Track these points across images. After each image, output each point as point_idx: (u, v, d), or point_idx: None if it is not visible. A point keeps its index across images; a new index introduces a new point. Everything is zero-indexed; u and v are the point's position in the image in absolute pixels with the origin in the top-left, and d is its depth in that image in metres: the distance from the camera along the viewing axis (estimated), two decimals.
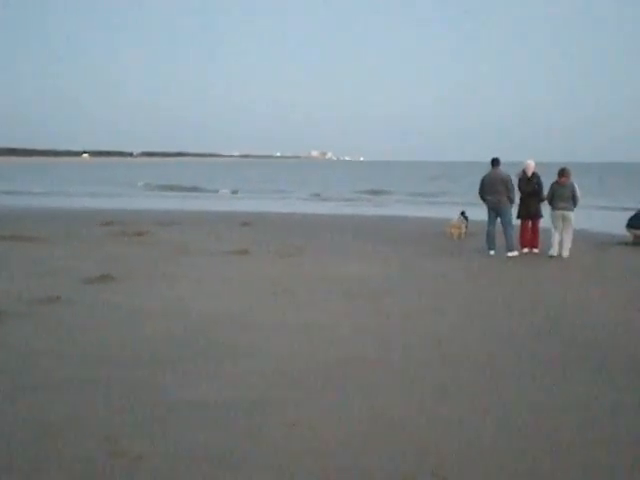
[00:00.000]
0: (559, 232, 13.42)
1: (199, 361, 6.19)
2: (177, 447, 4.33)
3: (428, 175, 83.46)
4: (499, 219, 13.75)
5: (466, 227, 16.55)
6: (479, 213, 17.02)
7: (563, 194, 13.38)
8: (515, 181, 13.93)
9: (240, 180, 65.11)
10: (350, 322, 7.76)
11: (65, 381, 5.58)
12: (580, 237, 15.22)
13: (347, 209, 28.97)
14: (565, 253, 13.34)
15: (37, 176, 73.31)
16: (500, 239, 13.66)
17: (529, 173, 14.00)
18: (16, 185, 49.25)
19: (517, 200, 13.98)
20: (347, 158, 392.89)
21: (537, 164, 14.12)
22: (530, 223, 14.06)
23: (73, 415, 4.85)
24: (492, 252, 13.62)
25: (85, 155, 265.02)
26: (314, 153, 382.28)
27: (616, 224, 17.85)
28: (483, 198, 13.92)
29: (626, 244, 15.24)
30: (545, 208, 13.96)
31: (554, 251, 13.36)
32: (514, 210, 13.93)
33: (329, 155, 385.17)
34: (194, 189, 48.14)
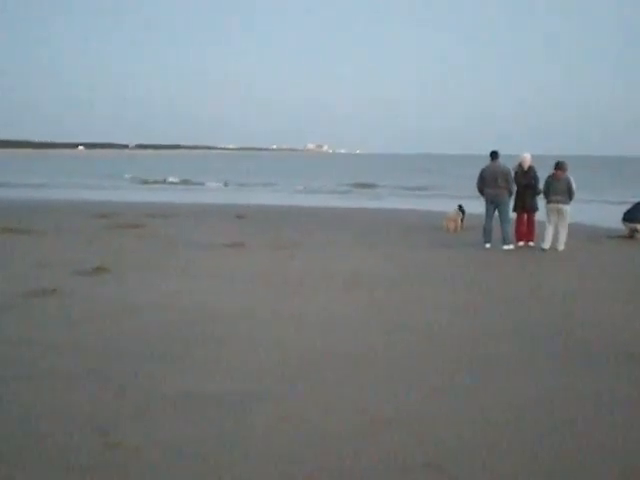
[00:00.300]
0: (553, 225, 13.43)
1: (193, 353, 6.18)
2: (173, 440, 4.32)
3: (420, 168, 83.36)
4: (496, 213, 13.73)
5: (462, 220, 16.55)
6: (474, 206, 17.04)
7: (558, 187, 13.37)
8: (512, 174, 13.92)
9: (231, 172, 64.82)
10: (345, 314, 7.75)
11: (59, 373, 5.57)
12: (576, 230, 15.23)
13: (342, 202, 28.95)
14: (560, 247, 13.35)
15: (23, 168, 72.83)
16: (496, 232, 13.67)
17: (525, 166, 14.01)
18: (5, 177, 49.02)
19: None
20: (343, 151, 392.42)
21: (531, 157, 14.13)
22: (526, 216, 14.08)
23: (67, 407, 4.84)
24: (488, 245, 13.62)
25: (80, 147, 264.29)
26: (310, 146, 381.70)
27: (611, 218, 17.85)
28: (481, 191, 13.89)
29: (621, 237, 15.26)
30: (541, 201, 13.97)
31: (546, 244, 13.37)
32: (510, 203, 13.92)
33: (325, 148, 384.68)
34: (183, 182, 47.73)
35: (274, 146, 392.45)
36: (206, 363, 5.91)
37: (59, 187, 38.68)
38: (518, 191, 13.88)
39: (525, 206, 13.92)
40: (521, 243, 13.93)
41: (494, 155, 13.82)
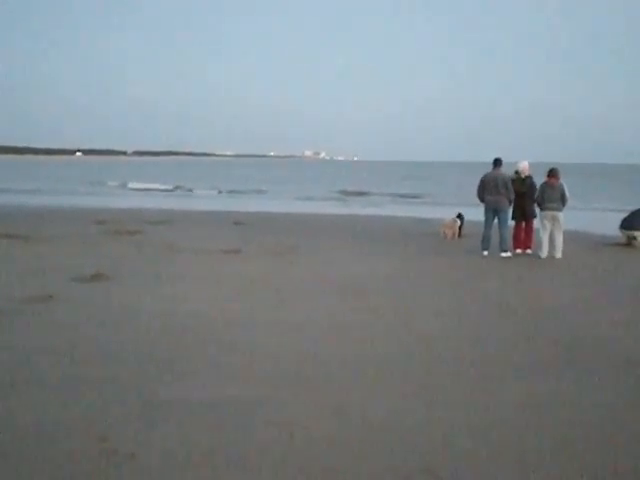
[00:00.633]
0: (548, 233, 13.45)
1: (191, 360, 6.16)
2: (169, 446, 4.30)
3: (419, 175, 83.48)
4: (496, 220, 13.73)
5: (460, 228, 16.55)
6: (470, 214, 17.06)
7: (553, 195, 13.41)
8: None
9: (224, 179, 64.88)
10: (342, 321, 7.74)
11: (57, 379, 5.55)
12: (574, 238, 15.27)
13: (339, 209, 28.97)
14: (558, 254, 13.36)
15: (10, 174, 72.67)
16: (494, 240, 13.67)
17: (524, 173, 14.03)
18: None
19: None
20: (341, 158, 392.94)
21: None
22: (524, 224, 14.09)
23: (65, 413, 4.82)
24: (485, 253, 13.62)
25: (79, 154, 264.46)
26: (307, 153, 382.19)
27: (609, 225, 17.89)
28: (482, 198, 13.90)
29: (619, 245, 15.28)
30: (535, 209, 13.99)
31: (544, 252, 13.38)
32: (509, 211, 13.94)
33: (322, 155, 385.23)
34: (171, 189, 47.66)
35: (272, 153, 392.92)
36: (204, 369, 5.89)
37: (32, 193, 38.42)
38: (516, 199, 13.86)
39: (525, 214, 13.93)
40: (519, 251, 13.94)
41: (497, 162, 13.81)
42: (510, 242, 13.84)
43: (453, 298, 9.31)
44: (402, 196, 41.75)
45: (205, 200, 36.13)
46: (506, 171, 13.93)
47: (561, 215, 13.45)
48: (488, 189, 13.66)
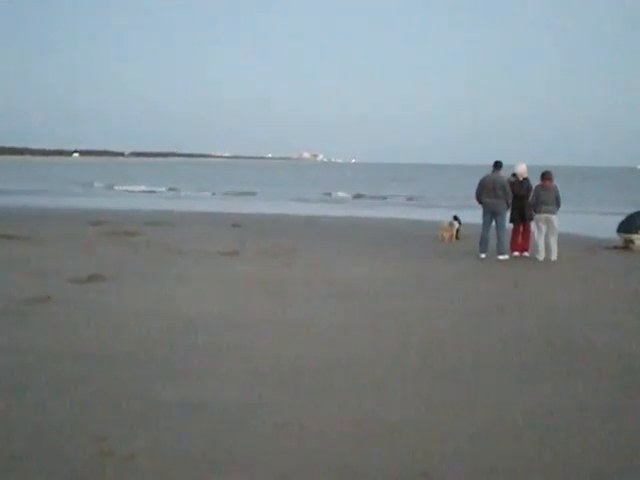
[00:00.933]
0: (544, 236, 13.48)
1: (189, 361, 6.16)
2: (167, 447, 4.30)
3: (417, 178, 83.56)
4: (494, 223, 13.75)
5: (458, 230, 16.57)
6: (467, 216, 17.08)
7: (547, 197, 13.45)
8: None
9: (215, 181, 64.79)
10: (339, 323, 7.75)
11: (54, 380, 5.54)
12: (571, 241, 15.31)
13: (336, 211, 28.96)
14: (554, 257, 13.39)
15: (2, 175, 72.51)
16: (491, 242, 13.69)
17: (522, 176, 14.06)
18: None
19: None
20: (339, 160, 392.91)
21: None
22: (521, 227, 14.11)
23: (62, 415, 4.81)
24: (483, 255, 13.63)
25: (76, 155, 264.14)
26: (305, 155, 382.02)
27: (606, 228, 17.91)
28: (480, 200, 13.92)
29: (616, 248, 15.31)
30: None
31: (541, 255, 13.41)
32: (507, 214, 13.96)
33: (320, 157, 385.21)
34: (154, 191, 47.54)
35: (269, 154, 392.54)
36: (203, 371, 5.89)
37: (16, 194, 38.18)
38: (514, 202, 13.85)
39: (523, 217, 13.94)
40: (516, 253, 13.95)
41: (497, 165, 13.83)
42: (508, 245, 13.85)
43: (451, 300, 9.31)
44: (406, 198, 41.88)
45: (198, 202, 36.00)
46: (505, 174, 13.96)
47: (555, 218, 13.49)
48: (486, 192, 13.68)
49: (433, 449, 4.35)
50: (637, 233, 15.18)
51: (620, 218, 16.08)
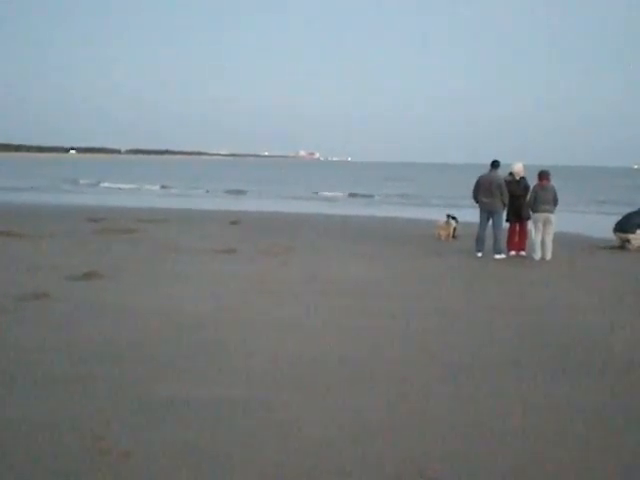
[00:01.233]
0: (540, 235, 13.50)
1: (186, 359, 6.16)
2: (164, 445, 4.30)
3: (415, 177, 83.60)
4: (490, 222, 13.76)
5: (455, 229, 16.58)
6: (463, 215, 17.10)
7: (545, 196, 13.47)
8: None
9: (208, 179, 64.70)
10: (337, 322, 7.74)
11: (51, 378, 5.53)
12: (568, 241, 15.32)
13: (334, 209, 28.97)
14: (548, 256, 13.42)
15: None
16: (488, 241, 13.70)
17: (519, 175, 14.08)
18: None
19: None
20: (335, 159, 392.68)
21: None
22: (518, 226, 14.13)
23: (59, 412, 4.80)
24: (479, 254, 13.65)
25: (72, 151, 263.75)
26: (302, 153, 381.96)
27: (602, 228, 17.95)
28: (477, 199, 13.93)
29: (612, 248, 15.35)
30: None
31: (538, 254, 13.43)
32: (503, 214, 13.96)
33: (317, 155, 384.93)
34: (139, 188, 47.49)
35: (266, 152, 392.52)
36: (199, 369, 5.88)
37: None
38: (511, 201, 13.87)
39: (520, 216, 13.96)
40: (513, 253, 13.96)
41: (494, 164, 13.84)
42: (504, 244, 13.87)
43: (448, 299, 9.32)
44: (403, 196, 41.88)
45: (192, 200, 35.96)
46: (502, 173, 13.97)
47: (553, 217, 13.52)
48: (483, 191, 13.70)
49: (431, 448, 4.36)
50: (633, 233, 15.21)
51: (616, 218, 16.11)
